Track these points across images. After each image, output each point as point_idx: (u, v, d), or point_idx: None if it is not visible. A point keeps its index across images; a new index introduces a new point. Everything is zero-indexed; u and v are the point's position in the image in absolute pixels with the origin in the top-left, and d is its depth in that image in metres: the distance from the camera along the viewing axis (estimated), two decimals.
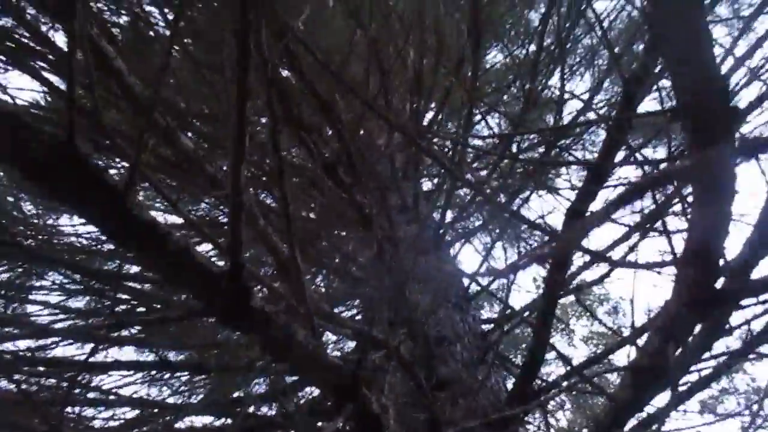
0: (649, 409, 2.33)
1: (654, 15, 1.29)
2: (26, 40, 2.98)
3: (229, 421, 3.88)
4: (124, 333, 3.52)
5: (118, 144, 1.36)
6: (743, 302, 2.07)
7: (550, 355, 5.90)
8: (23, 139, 0.86)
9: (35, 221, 4.45)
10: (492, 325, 4.38)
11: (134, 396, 3.63)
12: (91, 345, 3.89)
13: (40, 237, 4.30)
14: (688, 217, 1.70)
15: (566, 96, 4.36)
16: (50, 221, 4.62)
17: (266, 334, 1.21)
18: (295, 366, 1.42)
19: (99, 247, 4.43)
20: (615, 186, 2.66)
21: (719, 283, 1.80)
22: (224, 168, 2.38)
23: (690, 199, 1.68)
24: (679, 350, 1.95)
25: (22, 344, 4.20)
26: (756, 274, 1.84)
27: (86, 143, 0.88)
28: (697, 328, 2.12)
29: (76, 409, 3.63)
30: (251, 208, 2.10)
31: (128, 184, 0.93)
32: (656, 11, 1.27)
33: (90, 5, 2.56)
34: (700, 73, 1.33)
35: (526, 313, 4.20)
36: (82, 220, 4.57)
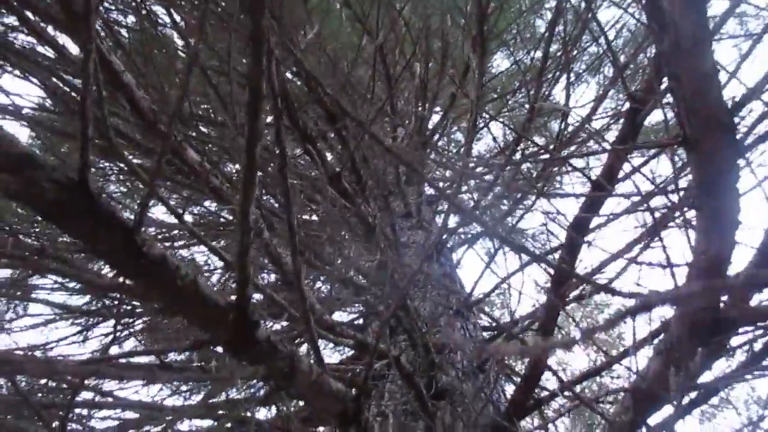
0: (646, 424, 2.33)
1: (662, 51, 1.30)
2: (31, 43, 2.99)
3: (228, 425, 3.89)
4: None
5: (129, 164, 1.37)
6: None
7: (551, 363, 5.90)
8: (36, 179, 0.87)
9: (37, 218, 4.46)
10: (493, 333, 4.40)
11: (133, 398, 3.64)
12: (94, 347, 3.91)
13: (43, 234, 4.31)
14: (692, 243, 1.71)
15: (571, 105, 4.36)
16: None
17: (271, 365, 1.22)
18: (299, 394, 1.43)
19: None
20: (607, 218, 2.67)
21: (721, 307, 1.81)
22: (232, 174, 2.38)
23: (694, 223, 1.69)
24: (680, 372, 1.96)
25: (21, 342, 4.24)
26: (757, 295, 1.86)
27: (97, 185, 0.89)
28: (699, 353, 2.12)
29: (75, 411, 3.65)
30: (256, 221, 2.11)
31: (139, 223, 0.94)
32: (664, 48, 1.28)
33: (102, 20, 2.56)
34: (705, 108, 1.34)
35: (527, 322, 4.21)
36: None
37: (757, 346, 2.34)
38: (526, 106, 4.79)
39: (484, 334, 4.28)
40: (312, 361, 1.37)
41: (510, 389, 3.80)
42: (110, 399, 3.48)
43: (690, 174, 1.66)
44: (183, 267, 1.04)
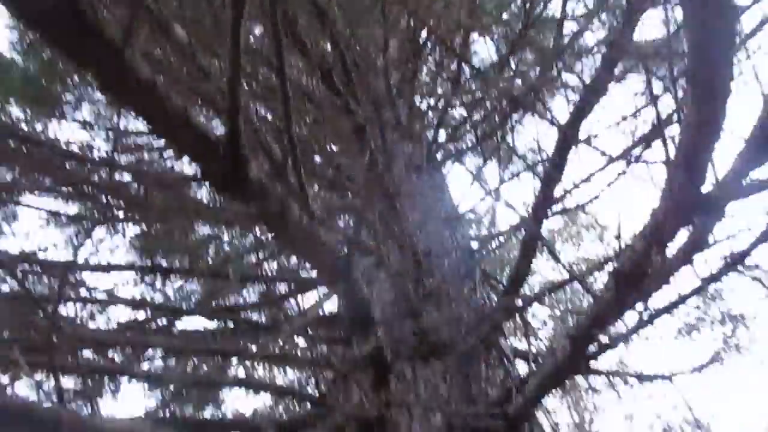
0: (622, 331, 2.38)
1: None
2: None
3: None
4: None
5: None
6: (726, 219, 2.10)
7: (534, 280, 6.06)
8: None
9: (23, 128, 4.38)
10: (480, 243, 4.45)
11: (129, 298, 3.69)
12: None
13: (28, 144, 4.25)
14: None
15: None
16: (39, 127, 4.55)
17: (262, 206, 1.24)
18: (290, 242, 1.46)
19: (89, 154, 4.41)
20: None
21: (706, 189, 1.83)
22: (217, 62, 2.34)
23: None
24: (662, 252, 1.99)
25: (14, 247, 4.26)
26: None
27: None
28: (682, 243, 2.15)
29: (74, 310, 3.71)
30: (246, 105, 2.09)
31: (126, 38, 0.92)
32: None
33: None
34: None
35: (513, 234, 4.26)
36: (72, 126, 4.55)
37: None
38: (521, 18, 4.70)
39: (472, 243, 4.34)
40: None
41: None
42: (107, 297, 3.54)
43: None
44: (173, 95, 1.03)
